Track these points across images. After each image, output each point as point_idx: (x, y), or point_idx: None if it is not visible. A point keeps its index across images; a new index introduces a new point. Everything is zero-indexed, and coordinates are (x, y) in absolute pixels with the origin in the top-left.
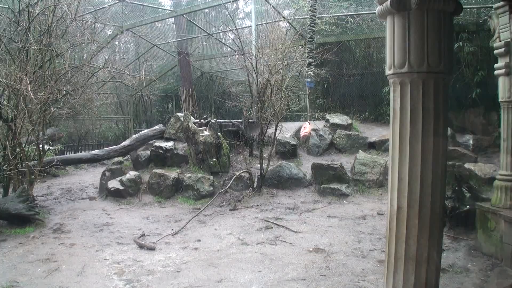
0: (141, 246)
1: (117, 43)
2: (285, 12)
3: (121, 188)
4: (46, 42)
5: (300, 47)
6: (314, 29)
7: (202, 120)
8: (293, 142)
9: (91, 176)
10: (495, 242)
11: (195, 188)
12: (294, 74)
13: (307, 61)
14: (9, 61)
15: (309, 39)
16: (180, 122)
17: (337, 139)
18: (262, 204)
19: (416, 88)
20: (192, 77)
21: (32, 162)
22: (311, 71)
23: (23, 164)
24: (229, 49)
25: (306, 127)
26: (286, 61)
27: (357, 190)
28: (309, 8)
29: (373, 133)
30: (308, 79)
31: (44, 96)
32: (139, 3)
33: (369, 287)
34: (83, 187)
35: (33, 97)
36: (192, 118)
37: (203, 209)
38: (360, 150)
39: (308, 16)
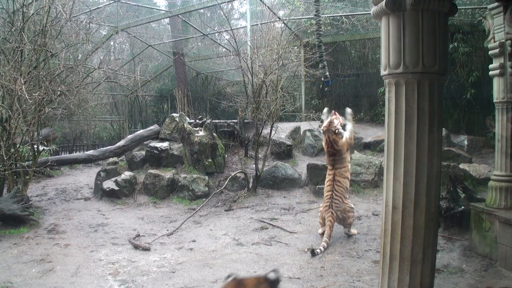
0: (136, 247)
1: (112, 43)
2: (280, 13)
3: (116, 188)
4: (41, 42)
5: (295, 47)
6: (321, 32)
7: (197, 121)
8: (288, 142)
9: (86, 177)
10: (489, 242)
11: (190, 188)
12: (289, 74)
13: (320, 65)
14: (4, 61)
15: (318, 44)
16: (175, 122)
17: None
18: (257, 205)
19: (411, 88)
20: (187, 78)
21: (27, 162)
22: (327, 72)
23: (18, 165)
24: (224, 49)
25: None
26: (281, 62)
27: (353, 190)
28: (314, 13)
29: (368, 133)
30: (326, 79)
31: (38, 96)
32: (134, 3)
33: (364, 287)
34: (78, 188)
35: (27, 97)
36: (187, 118)
37: (198, 209)
38: (355, 151)
39: (315, 22)
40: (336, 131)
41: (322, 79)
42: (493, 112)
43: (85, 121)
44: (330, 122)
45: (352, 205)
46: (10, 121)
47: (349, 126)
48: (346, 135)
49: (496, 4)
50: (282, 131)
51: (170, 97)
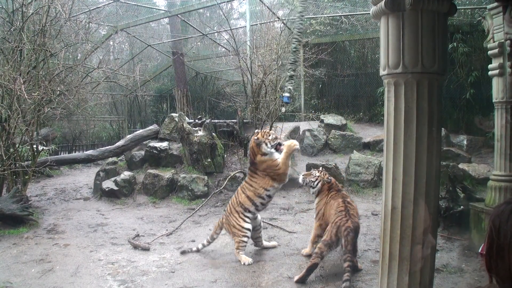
0: (136, 247)
1: (111, 43)
2: (280, 13)
3: (116, 188)
4: (40, 42)
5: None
6: (300, 38)
7: (196, 121)
8: None
9: (85, 177)
10: None
11: (190, 188)
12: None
13: (288, 73)
14: (3, 61)
15: (294, 49)
16: (175, 122)
17: (332, 139)
18: None
19: (410, 88)
20: (187, 77)
21: (26, 162)
22: (291, 85)
23: (17, 165)
24: (223, 49)
25: None
26: (280, 62)
27: (352, 190)
28: (298, 19)
29: (368, 133)
30: (287, 94)
31: (38, 96)
32: (133, 3)
33: (363, 287)
34: (77, 188)
35: (27, 97)
36: (186, 118)
37: (198, 209)
38: (354, 151)
39: (296, 25)
40: (263, 143)
41: (285, 93)
42: (492, 112)
43: (84, 121)
44: (265, 133)
45: (246, 226)
46: (10, 121)
47: (283, 156)
48: (274, 156)
49: (495, 4)
50: (281, 131)
51: (169, 97)
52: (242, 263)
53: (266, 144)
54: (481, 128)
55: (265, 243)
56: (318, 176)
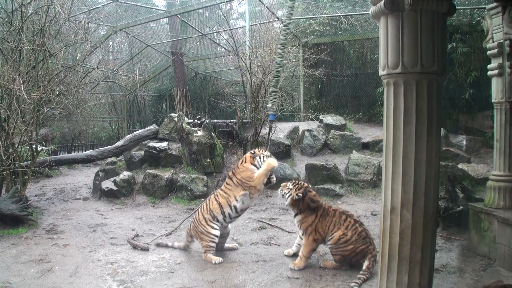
0: (135, 247)
1: (110, 43)
2: (279, 13)
3: (115, 188)
4: (39, 42)
5: (294, 47)
6: (283, 53)
7: (196, 121)
8: (287, 142)
9: (84, 177)
10: (488, 242)
11: (189, 188)
12: (288, 74)
13: (270, 89)
14: (2, 61)
15: (277, 65)
16: (174, 122)
17: (331, 139)
18: (256, 205)
19: (409, 88)
20: (186, 78)
21: (25, 162)
22: (272, 102)
23: (16, 165)
24: (223, 49)
25: None
26: None
27: (351, 190)
28: (282, 29)
29: (367, 133)
30: (271, 112)
31: (37, 96)
32: (132, 3)
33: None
34: (77, 188)
35: (26, 97)
36: (186, 118)
37: (197, 209)
38: (353, 151)
39: (280, 36)
40: (257, 156)
41: (269, 112)
42: (491, 112)
43: (83, 121)
44: (261, 150)
45: (213, 233)
46: (9, 121)
47: (261, 171)
48: (256, 170)
49: (494, 4)
50: (280, 131)
51: (168, 97)
52: (213, 263)
53: (260, 158)
54: (480, 129)
55: (226, 245)
56: (290, 190)
